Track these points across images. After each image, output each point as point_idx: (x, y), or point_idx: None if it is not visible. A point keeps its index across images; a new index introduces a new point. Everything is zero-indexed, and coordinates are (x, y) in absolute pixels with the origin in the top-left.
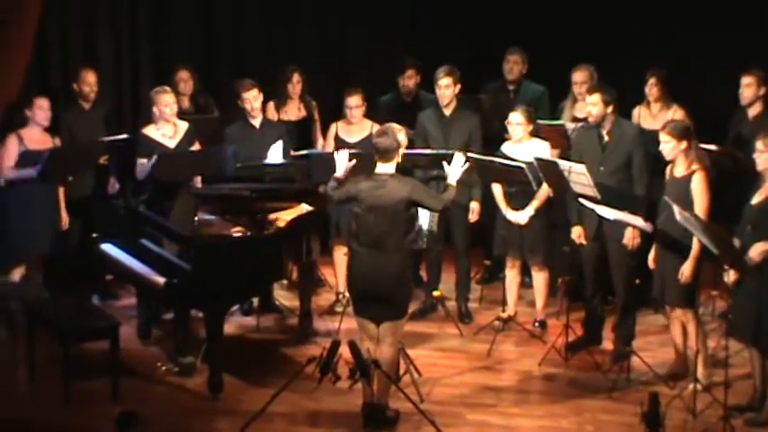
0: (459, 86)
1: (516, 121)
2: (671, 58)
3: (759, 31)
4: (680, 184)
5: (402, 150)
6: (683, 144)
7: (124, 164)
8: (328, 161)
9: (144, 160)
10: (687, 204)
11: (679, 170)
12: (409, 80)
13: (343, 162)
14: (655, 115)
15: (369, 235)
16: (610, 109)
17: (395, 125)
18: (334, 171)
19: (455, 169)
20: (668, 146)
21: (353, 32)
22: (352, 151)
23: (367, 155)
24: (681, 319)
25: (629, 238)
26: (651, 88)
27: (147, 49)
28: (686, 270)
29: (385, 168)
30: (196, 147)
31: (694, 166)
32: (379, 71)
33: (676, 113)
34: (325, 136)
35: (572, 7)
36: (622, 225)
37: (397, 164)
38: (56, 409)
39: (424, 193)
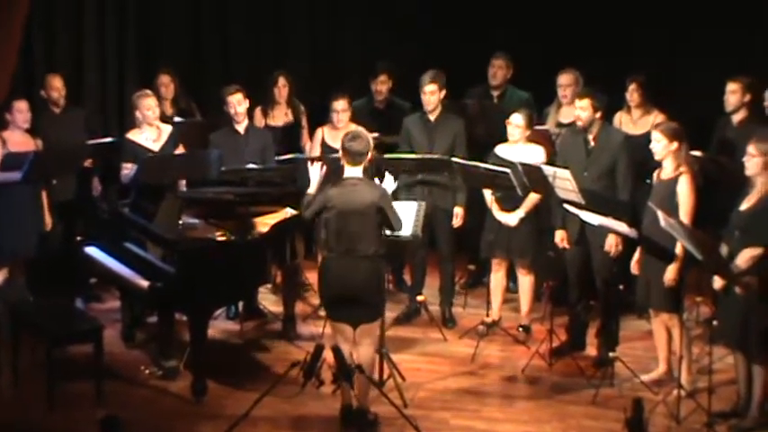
0: (444, 92)
1: (516, 122)
2: (655, 64)
3: (741, 33)
4: (666, 186)
5: (370, 155)
6: (674, 145)
7: (109, 167)
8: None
9: (129, 165)
10: (672, 207)
11: (666, 172)
12: (382, 85)
13: (317, 178)
14: (636, 121)
15: (340, 239)
16: (598, 115)
17: (363, 129)
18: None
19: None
20: (659, 145)
21: (343, 36)
22: (336, 156)
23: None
24: (666, 323)
25: (611, 245)
26: (632, 94)
27: (134, 52)
28: (670, 273)
29: (354, 172)
30: (180, 150)
31: (681, 169)
32: (369, 75)
33: (657, 119)
34: (311, 141)
35: (556, 12)
36: (606, 230)
37: (364, 168)
38: (39, 412)
39: (391, 208)
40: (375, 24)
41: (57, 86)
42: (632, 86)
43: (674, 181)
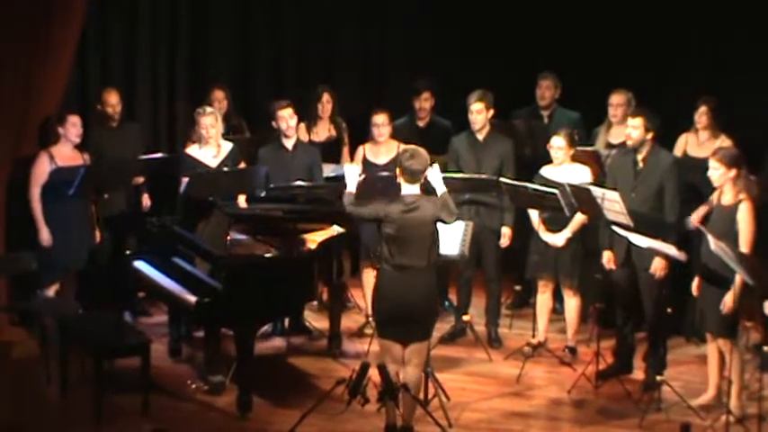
0: (491, 111)
1: (558, 145)
2: (707, 88)
3: None
4: (726, 212)
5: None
6: (732, 172)
7: (159, 182)
8: (361, 183)
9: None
10: (732, 233)
11: (726, 198)
12: (425, 102)
13: (353, 176)
14: (702, 143)
15: (401, 257)
16: (650, 136)
17: (420, 148)
18: (368, 193)
19: (436, 180)
20: (717, 172)
21: (393, 54)
22: (383, 173)
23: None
24: (722, 348)
25: (657, 268)
26: (701, 116)
27: (184, 68)
28: (729, 300)
29: (412, 190)
30: (242, 167)
31: (741, 196)
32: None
33: (724, 143)
34: (352, 158)
35: (607, 32)
36: (652, 253)
37: (422, 186)
38: (87, 424)
39: (442, 208)
40: (420, 41)
41: (112, 102)
42: (702, 109)
43: (735, 208)
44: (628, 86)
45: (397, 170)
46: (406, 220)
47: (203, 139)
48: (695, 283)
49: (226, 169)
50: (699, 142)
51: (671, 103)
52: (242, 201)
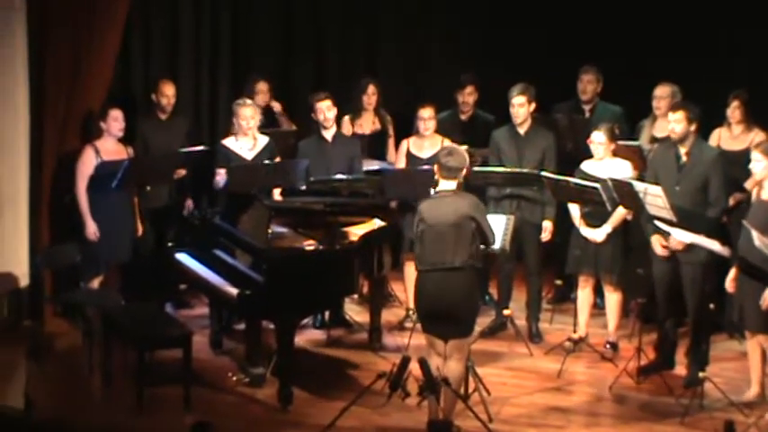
0: (533, 105)
1: (598, 140)
2: (743, 81)
3: None
4: (766, 207)
5: (465, 171)
6: None
7: (201, 176)
8: (401, 177)
9: (222, 171)
10: None
11: (766, 193)
12: (469, 96)
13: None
14: (736, 137)
15: (433, 252)
16: (693, 127)
17: (459, 147)
18: (408, 187)
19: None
20: (759, 165)
21: (431, 51)
22: (425, 167)
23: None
24: (763, 344)
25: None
26: (733, 111)
27: (227, 63)
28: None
29: (447, 186)
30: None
31: None
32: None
33: (758, 136)
34: (397, 151)
35: (649, 27)
36: (695, 248)
37: (459, 183)
38: (129, 415)
39: (485, 220)
40: (463, 37)
41: (167, 93)
42: (735, 103)
43: None
44: (669, 79)
45: (435, 166)
46: (435, 216)
47: (241, 130)
48: (731, 275)
49: (266, 162)
50: (732, 136)
51: (702, 98)
52: (276, 194)
